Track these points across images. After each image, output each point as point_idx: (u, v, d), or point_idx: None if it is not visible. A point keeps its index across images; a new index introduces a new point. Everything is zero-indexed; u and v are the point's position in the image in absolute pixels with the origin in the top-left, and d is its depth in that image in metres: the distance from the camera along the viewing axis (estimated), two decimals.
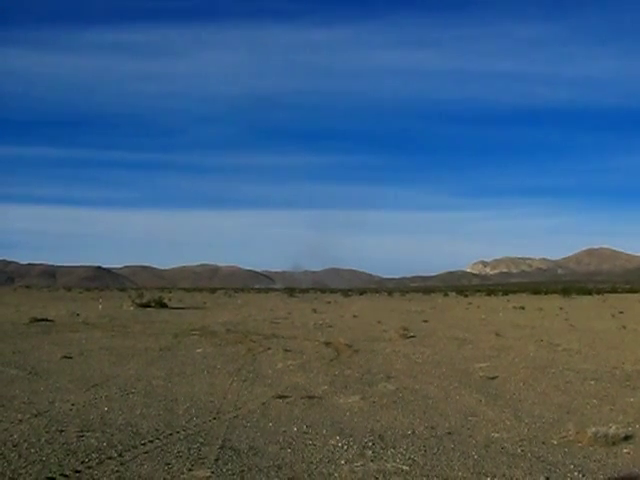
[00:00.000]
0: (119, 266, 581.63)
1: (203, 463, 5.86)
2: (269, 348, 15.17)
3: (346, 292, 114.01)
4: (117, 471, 5.58)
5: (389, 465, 5.86)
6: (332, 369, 12.03)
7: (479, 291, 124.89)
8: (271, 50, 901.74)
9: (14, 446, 6.30)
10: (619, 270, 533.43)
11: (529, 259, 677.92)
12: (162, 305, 37.33)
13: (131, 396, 9.12)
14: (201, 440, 6.67)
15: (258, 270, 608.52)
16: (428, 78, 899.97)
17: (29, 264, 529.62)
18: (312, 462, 5.98)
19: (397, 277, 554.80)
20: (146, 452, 6.17)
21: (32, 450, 6.17)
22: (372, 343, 16.71)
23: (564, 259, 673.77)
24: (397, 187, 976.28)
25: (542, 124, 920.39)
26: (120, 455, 6.04)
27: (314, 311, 35.98)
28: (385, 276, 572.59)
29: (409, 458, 6.13)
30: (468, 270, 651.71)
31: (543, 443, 6.77)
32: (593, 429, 6.83)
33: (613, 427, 6.90)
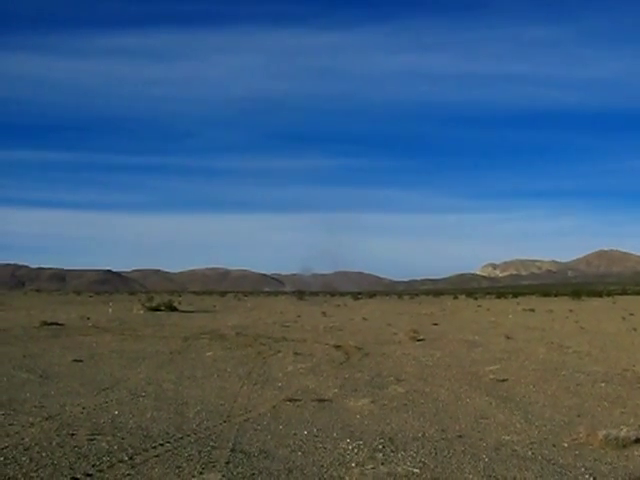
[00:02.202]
0: (129, 270, 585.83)
1: (214, 466, 5.87)
2: (279, 351, 15.18)
3: (356, 295, 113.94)
4: (128, 474, 5.61)
5: (400, 468, 5.85)
6: (342, 372, 12.02)
7: (489, 294, 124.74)
8: (280, 54, 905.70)
9: (25, 450, 6.33)
10: (629, 272, 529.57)
11: (539, 261, 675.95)
12: (172, 308, 37.46)
13: (142, 399, 9.15)
14: (212, 443, 6.68)
15: (268, 273, 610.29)
16: (438, 81, 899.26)
17: (39, 268, 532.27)
18: (323, 465, 5.98)
19: (407, 280, 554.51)
20: (157, 455, 6.18)
21: (43, 454, 6.20)
22: (382, 346, 16.68)
23: (574, 261, 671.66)
24: (407, 189, 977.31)
25: (552, 126, 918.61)
26: (131, 458, 6.06)
27: (324, 314, 35.97)
28: (395, 279, 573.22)
29: (420, 461, 6.12)
30: (478, 273, 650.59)
31: (554, 446, 6.74)
32: (604, 432, 6.79)
33: (624, 430, 6.87)
